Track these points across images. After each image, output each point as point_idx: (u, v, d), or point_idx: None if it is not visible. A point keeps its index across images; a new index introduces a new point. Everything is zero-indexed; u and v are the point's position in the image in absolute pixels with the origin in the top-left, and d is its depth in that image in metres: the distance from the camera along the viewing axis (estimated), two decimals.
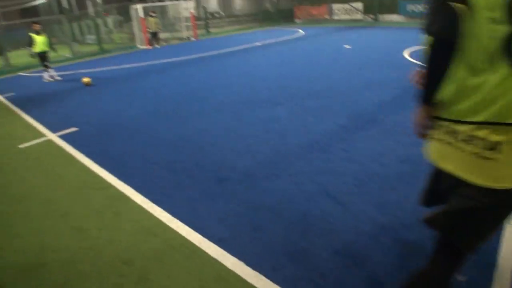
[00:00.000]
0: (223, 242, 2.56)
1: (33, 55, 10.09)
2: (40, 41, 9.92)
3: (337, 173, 3.43)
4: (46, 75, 10.37)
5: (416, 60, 9.03)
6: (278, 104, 5.87)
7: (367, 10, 23.91)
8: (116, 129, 5.34)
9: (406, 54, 10.03)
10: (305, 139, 4.31)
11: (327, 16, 25.35)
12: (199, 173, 3.65)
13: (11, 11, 31.18)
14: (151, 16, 16.88)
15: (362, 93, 6.14)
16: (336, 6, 25.29)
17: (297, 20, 27.21)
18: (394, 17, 22.06)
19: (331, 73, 7.93)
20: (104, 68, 11.74)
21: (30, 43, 9.85)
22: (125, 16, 24.04)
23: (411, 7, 22.30)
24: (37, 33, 9.94)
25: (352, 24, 21.83)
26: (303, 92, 6.47)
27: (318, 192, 3.12)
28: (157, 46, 17.35)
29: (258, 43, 14.92)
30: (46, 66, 10.24)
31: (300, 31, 19.55)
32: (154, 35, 17.29)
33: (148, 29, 17.12)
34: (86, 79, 9.14)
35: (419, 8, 21.66)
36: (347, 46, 11.88)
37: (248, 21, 28.60)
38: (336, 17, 25.05)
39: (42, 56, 10.08)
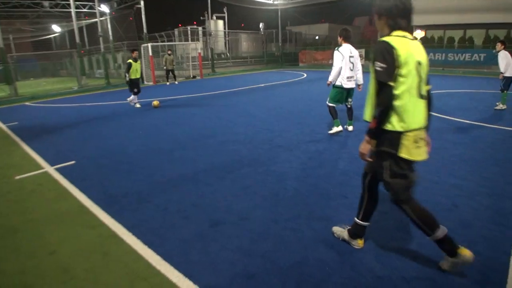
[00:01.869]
0: None
1: (127, 81, 10.33)
2: (137, 68, 10.26)
3: (335, 219, 3.34)
4: (135, 100, 10.63)
5: None
6: (278, 146, 5.86)
7: (369, 56, 24.63)
8: (114, 164, 5.30)
9: None
10: (304, 184, 4.25)
11: (331, 61, 26.09)
12: (194, 215, 3.56)
13: (24, 43, 32.28)
14: (169, 54, 17.48)
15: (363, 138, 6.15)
16: None
17: (301, 64, 27.98)
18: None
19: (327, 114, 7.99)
20: (110, 102, 11.92)
21: (128, 69, 10.11)
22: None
23: None
24: (135, 60, 10.25)
25: None
26: (303, 136, 6.50)
27: (315, 239, 3.02)
28: (175, 82, 17.78)
29: (261, 84, 15.24)
30: (135, 93, 10.47)
31: (304, 74, 20.04)
32: (170, 72, 17.85)
33: (164, 67, 17.76)
34: (155, 102, 10.21)
35: None
36: None
37: (254, 63, 29.44)
38: None
39: (136, 82, 10.33)
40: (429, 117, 2.48)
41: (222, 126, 7.51)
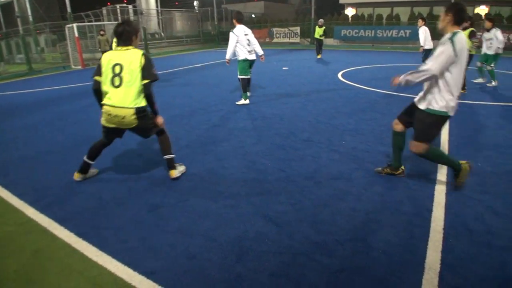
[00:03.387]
0: (156, 275, 2.41)
1: None
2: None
3: (273, 193, 3.44)
4: None
5: (348, 80, 9.58)
6: (215, 125, 5.83)
7: (304, 34, 25.13)
8: (41, 156, 4.91)
9: (339, 75, 10.61)
10: (242, 161, 4.29)
11: (267, 39, 26.20)
12: (131, 200, 3.45)
13: None
14: (101, 35, 16.49)
15: (299, 113, 6.34)
16: (276, 30, 26.29)
17: None
18: (329, 41, 23.34)
19: (266, 93, 8.10)
20: (33, 90, 10.93)
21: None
22: (59, 35, 22.88)
23: (344, 32, 23.85)
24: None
25: (291, 47, 22.71)
26: (239, 114, 6.52)
27: (254, 214, 3.09)
28: None
29: (198, 64, 14.93)
30: None
31: None
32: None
33: (99, 49, 16.88)
34: None
35: (352, 33, 23.23)
36: (285, 68, 12.32)
37: (189, 43, 28.61)
38: (276, 40, 25.97)
39: None
40: (148, 102, 3.62)
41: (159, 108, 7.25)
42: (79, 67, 16.85)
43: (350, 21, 25.40)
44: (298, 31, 25.09)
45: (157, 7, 29.95)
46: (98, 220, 3.13)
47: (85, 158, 3.84)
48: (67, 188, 3.82)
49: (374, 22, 24.54)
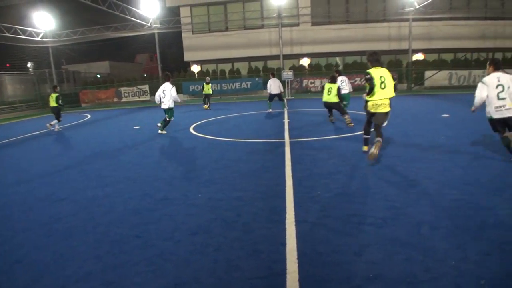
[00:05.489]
0: None
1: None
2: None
3: (130, 263, 3.19)
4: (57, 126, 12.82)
5: (199, 133, 9.95)
6: (60, 199, 5.18)
7: (153, 92, 25.35)
8: None
9: (191, 128, 10.96)
10: (92, 235, 3.88)
11: (116, 99, 25.34)
12: None
13: None
14: None
15: (153, 173, 6.20)
16: (124, 89, 25.72)
17: (83, 105, 26.07)
18: (179, 96, 24.00)
19: (118, 156, 7.75)
20: None
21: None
22: None
23: (192, 87, 25.05)
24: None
25: (142, 105, 22.49)
26: (88, 181, 6.00)
27: None
28: None
29: (36, 132, 13.30)
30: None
31: (88, 115, 18.72)
32: None
33: None
34: None
35: (199, 88, 24.55)
36: (136, 127, 12.09)
37: (25, 108, 25.42)
38: (125, 100, 25.35)
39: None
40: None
41: None
42: None
43: (196, 76, 26.84)
44: (147, 89, 25.13)
45: None
46: None
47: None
48: None
49: (218, 76, 26.55)
